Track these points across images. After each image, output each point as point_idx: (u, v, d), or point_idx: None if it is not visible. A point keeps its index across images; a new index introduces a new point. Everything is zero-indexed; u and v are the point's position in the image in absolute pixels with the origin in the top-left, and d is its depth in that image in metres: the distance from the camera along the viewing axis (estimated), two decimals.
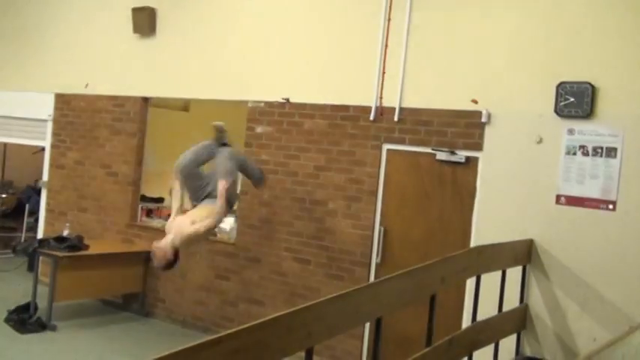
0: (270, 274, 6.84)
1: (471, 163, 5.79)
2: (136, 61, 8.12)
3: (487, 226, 5.62)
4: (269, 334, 2.78)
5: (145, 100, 8.14)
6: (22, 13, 9.38)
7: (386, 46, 6.23)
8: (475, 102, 5.73)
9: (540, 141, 5.40)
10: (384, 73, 6.24)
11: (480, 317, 4.80)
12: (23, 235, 10.31)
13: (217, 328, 6.89)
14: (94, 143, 8.47)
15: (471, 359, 4.72)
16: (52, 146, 8.94)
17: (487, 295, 4.93)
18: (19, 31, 9.35)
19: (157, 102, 8.54)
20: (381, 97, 6.25)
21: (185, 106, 10.03)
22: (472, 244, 5.61)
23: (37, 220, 9.38)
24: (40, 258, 7.35)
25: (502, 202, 5.57)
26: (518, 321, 5.28)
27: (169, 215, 8.62)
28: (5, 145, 10.80)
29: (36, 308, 7.06)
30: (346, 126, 6.46)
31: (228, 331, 2.59)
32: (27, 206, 10.42)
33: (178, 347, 2.36)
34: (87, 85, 8.54)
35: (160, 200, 9.37)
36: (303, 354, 3.07)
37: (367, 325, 6.10)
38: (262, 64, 7.07)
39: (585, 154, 5.21)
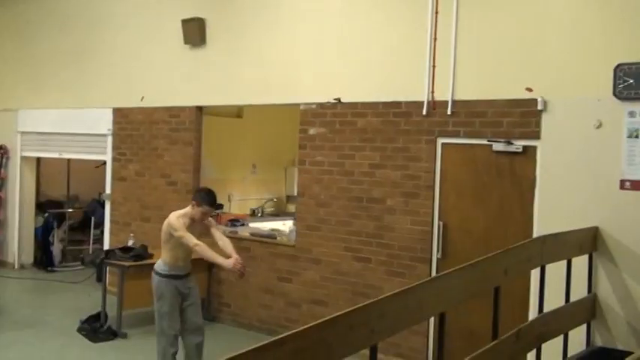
0: (331, 274, 6.87)
1: (528, 152, 5.68)
2: (188, 71, 8.27)
3: (549, 216, 5.50)
4: (332, 332, 2.79)
5: (199, 109, 8.29)
6: (79, 35, 9.66)
7: (435, 39, 6.18)
8: (530, 90, 5.62)
9: (600, 125, 5.25)
10: (434, 66, 6.19)
11: (546, 308, 4.70)
12: (90, 247, 10.64)
13: (282, 329, 6.94)
14: (152, 154, 8.67)
15: (540, 351, 4.63)
16: (113, 159, 9.20)
17: (553, 286, 4.83)
18: (77, 52, 9.63)
19: (210, 110, 8.67)
20: (432, 91, 6.20)
21: (238, 112, 10.15)
22: (534, 234, 5.50)
23: (102, 232, 9.66)
24: (108, 268, 7.58)
25: (563, 190, 5.45)
26: (588, 311, 5.15)
27: (229, 221, 8.80)
28: (69, 161, 11.16)
29: (106, 317, 7.28)
30: (399, 122, 6.43)
31: (292, 331, 2.62)
32: (92, 219, 10.75)
33: (243, 349, 2.40)
34: (143, 98, 8.75)
35: (219, 207, 9.49)
36: (367, 352, 3.08)
37: (432, 320, 6.06)
38: (312, 65, 7.11)
39: None
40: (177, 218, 5.52)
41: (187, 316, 5.72)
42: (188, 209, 5.60)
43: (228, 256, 5.47)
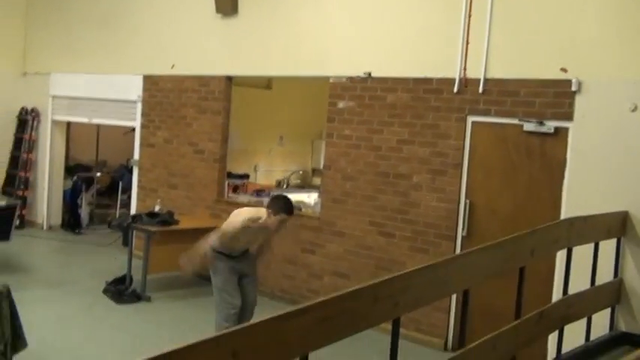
0: (354, 247, 6.89)
1: (560, 133, 5.61)
2: (219, 40, 8.26)
3: (578, 198, 5.44)
4: (355, 303, 2.80)
5: (229, 79, 8.29)
6: (112, 1, 9.71)
7: (469, 15, 6.09)
8: (564, 70, 5.53)
9: (635, 109, 5.16)
10: (467, 43, 6.11)
11: (571, 291, 4.67)
12: (117, 211, 10.78)
13: (304, 300, 6.97)
14: (181, 122, 8.72)
15: (562, 333, 4.61)
16: (142, 126, 9.26)
17: (579, 269, 4.79)
18: (109, 17, 9.68)
19: (240, 81, 8.68)
20: (464, 69, 6.13)
21: (268, 84, 10.15)
22: (562, 216, 5.45)
23: (129, 197, 9.78)
24: (134, 233, 7.68)
25: (594, 173, 5.38)
26: (612, 295, 5.11)
27: (255, 191, 8.85)
28: (99, 126, 11.26)
29: (131, 280, 7.39)
30: (430, 99, 6.38)
31: (316, 300, 2.63)
32: (120, 184, 10.88)
33: (266, 316, 2.42)
34: (173, 65, 8.76)
35: (246, 177, 9.56)
36: (388, 326, 3.09)
37: (454, 298, 6.07)
38: (343, 39, 7.06)
39: None
40: (243, 220, 5.32)
41: (245, 292, 5.62)
42: (262, 214, 5.36)
43: None
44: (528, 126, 5.75)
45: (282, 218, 5.31)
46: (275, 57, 7.69)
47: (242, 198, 8.42)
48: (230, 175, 8.93)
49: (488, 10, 5.95)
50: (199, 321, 6.55)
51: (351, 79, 6.97)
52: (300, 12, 7.47)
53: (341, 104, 7.07)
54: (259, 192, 8.79)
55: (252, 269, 5.74)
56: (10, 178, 10.74)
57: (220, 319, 5.53)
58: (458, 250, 6.10)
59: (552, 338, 4.99)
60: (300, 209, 7.62)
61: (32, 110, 10.75)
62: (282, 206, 5.32)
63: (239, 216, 5.39)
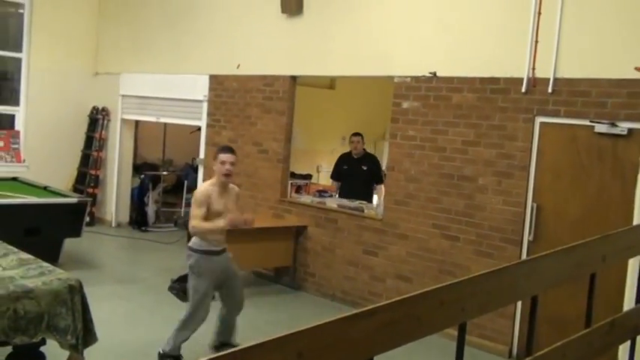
0: (417, 250, 6.82)
1: (633, 135, 5.42)
2: (284, 40, 8.31)
3: None
4: (422, 307, 2.76)
5: (293, 78, 8.32)
6: (178, 2, 9.88)
7: (539, 13, 5.95)
8: (639, 69, 5.33)
9: None
10: (537, 42, 5.96)
11: None
12: (182, 209, 10.99)
13: (365, 302, 6.98)
14: (246, 122, 8.81)
15: (634, 344, 4.45)
16: (208, 125, 9.39)
17: None
18: (177, 19, 9.87)
19: (303, 80, 8.70)
20: (533, 68, 5.99)
21: (331, 84, 10.17)
22: (635, 222, 5.26)
23: None
24: None
25: None
26: None
27: (317, 192, 8.87)
28: (165, 125, 11.51)
29: None
30: (496, 99, 6.26)
31: (383, 303, 2.61)
32: (185, 183, 11.09)
33: (332, 318, 2.41)
34: (238, 65, 8.87)
35: (309, 177, 9.60)
36: (451, 331, 3.03)
37: (519, 304, 5.94)
38: (408, 38, 7.00)
39: None
40: (201, 190, 5.37)
41: (233, 293, 5.60)
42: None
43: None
44: (600, 127, 5.58)
45: (220, 159, 5.36)
46: (339, 57, 7.69)
47: (304, 199, 8.45)
48: (293, 176, 8.99)
49: (559, 8, 5.80)
50: (260, 321, 6.60)
51: (415, 78, 6.91)
52: (364, 11, 7.45)
53: (405, 104, 7.01)
54: (322, 192, 8.80)
55: (233, 267, 5.66)
56: (80, 176, 11.08)
57: (186, 329, 5.47)
58: (524, 255, 5.97)
59: (623, 349, 4.82)
60: (363, 210, 7.60)
61: (103, 109, 11.07)
62: (218, 148, 5.64)
63: (195, 192, 5.47)
